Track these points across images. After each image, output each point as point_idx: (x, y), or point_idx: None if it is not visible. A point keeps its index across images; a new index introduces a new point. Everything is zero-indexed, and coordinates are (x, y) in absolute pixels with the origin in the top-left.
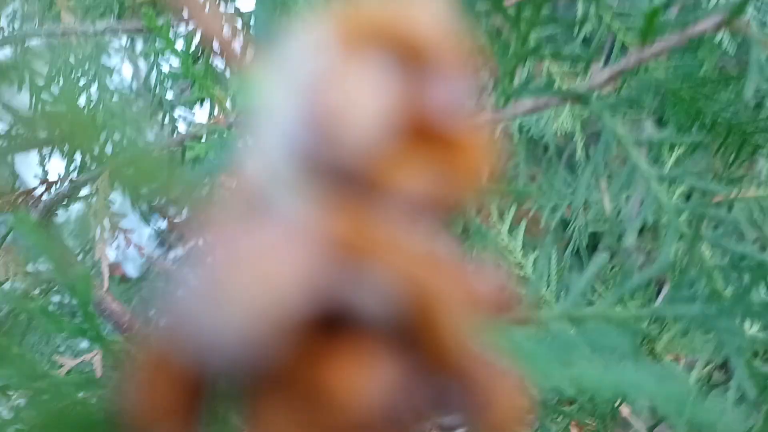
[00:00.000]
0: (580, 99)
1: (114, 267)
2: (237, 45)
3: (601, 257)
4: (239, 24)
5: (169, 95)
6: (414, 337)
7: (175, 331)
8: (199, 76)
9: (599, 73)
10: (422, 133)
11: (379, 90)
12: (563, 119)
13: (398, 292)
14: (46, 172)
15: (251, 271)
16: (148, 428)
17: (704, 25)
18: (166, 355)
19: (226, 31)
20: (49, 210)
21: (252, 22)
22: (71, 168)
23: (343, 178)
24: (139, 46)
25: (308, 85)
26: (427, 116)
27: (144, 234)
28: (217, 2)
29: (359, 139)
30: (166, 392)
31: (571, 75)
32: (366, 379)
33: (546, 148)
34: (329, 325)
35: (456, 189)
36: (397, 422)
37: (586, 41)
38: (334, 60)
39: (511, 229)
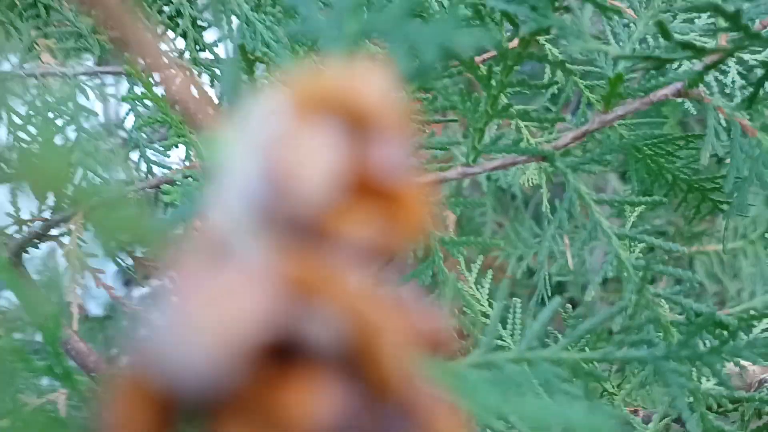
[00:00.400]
0: (546, 158)
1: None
2: (199, 104)
3: (555, 301)
4: (203, 77)
5: (144, 138)
6: (359, 366)
7: (147, 359)
8: (176, 122)
9: (564, 134)
10: (366, 189)
11: (328, 151)
12: (530, 173)
13: (343, 325)
14: (17, 210)
15: (214, 308)
16: None
17: (665, 91)
18: (140, 380)
19: (190, 90)
20: (21, 248)
21: (219, 84)
22: (43, 207)
23: (297, 228)
24: (112, 88)
25: (266, 146)
26: (370, 174)
27: (109, 272)
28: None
29: (310, 194)
30: (140, 415)
31: (539, 129)
32: (315, 402)
33: (514, 197)
34: (284, 356)
35: (396, 237)
36: None
37: (554, 96)
38: (289, 124)
39: (479, 279)
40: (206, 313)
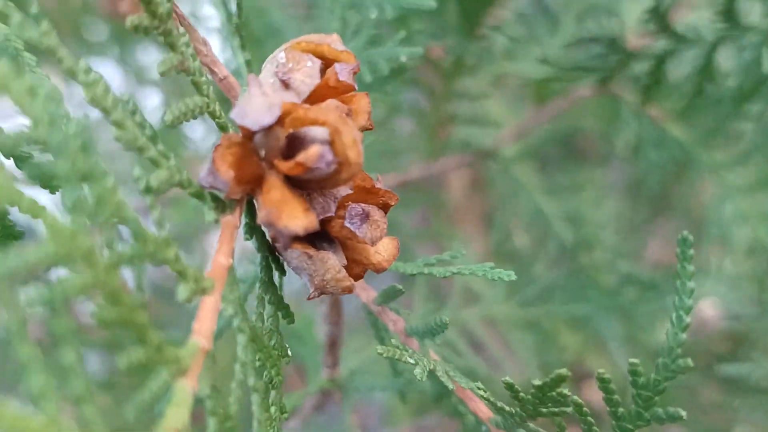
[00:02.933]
0: (489, 156)
1: None
2: None
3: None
4: None
5: None
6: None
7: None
8: None
9: (503, 134)
10: (328, 87)
11: (309, 62)
12: None
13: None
14: None
15: (264, 97)
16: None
17: (585, 92)
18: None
19: None
20: None
21: None
22: None
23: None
24: None
25: (280, 58)
26: (331, 78)
27: None
28: None
29: (302, 80)
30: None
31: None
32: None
33: None
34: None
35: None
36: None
37: None
38: (291, 53)
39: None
40: (261, 98)
